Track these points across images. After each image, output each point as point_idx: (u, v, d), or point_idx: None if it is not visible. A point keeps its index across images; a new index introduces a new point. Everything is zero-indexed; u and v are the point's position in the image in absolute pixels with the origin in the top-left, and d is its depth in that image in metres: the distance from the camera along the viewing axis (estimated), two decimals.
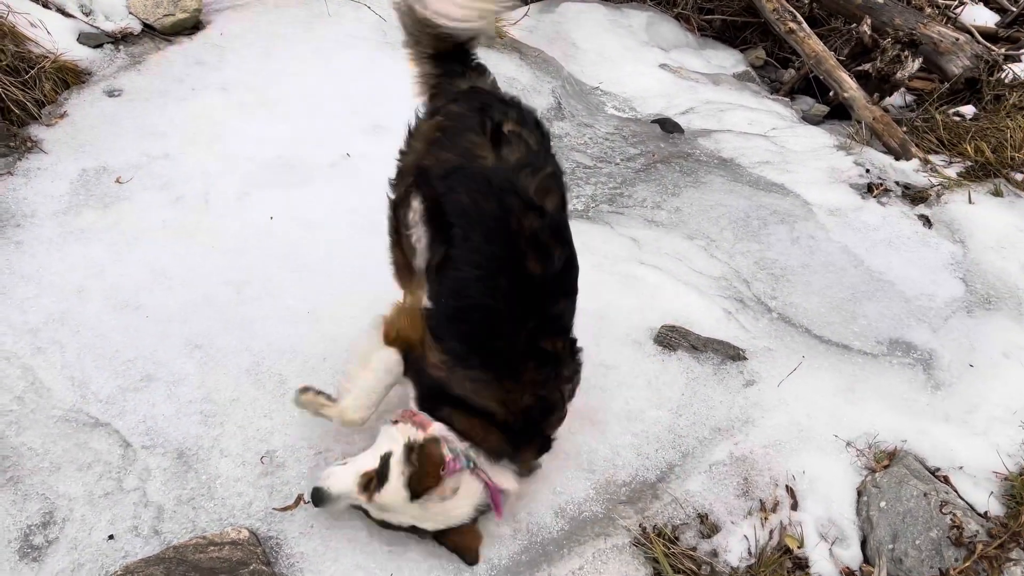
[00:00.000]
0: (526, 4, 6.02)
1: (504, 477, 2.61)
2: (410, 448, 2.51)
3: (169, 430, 2.94)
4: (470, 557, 2.64)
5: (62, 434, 2.88)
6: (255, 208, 3.84)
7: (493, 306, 2.48)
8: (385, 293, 2.95)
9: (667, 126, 5.05)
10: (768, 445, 3.12)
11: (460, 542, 2.64)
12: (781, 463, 3.05)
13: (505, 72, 5.16)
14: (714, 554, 2.75)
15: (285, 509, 2.77)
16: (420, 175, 2.63)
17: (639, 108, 5.43)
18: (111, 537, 2.64)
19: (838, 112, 6.09)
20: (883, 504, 2.91)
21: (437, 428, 2.57)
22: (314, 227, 3.79)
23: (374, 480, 2.53)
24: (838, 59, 6.04)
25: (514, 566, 2.70)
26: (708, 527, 2.83)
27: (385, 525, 2.62)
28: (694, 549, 2.76)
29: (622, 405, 3.22)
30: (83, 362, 3.10)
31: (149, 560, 2.47)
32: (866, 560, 2.82)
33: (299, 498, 2.80)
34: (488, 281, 2.47)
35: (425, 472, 2.45)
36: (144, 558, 2.50)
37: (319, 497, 2.56)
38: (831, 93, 6.01)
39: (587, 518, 2.86)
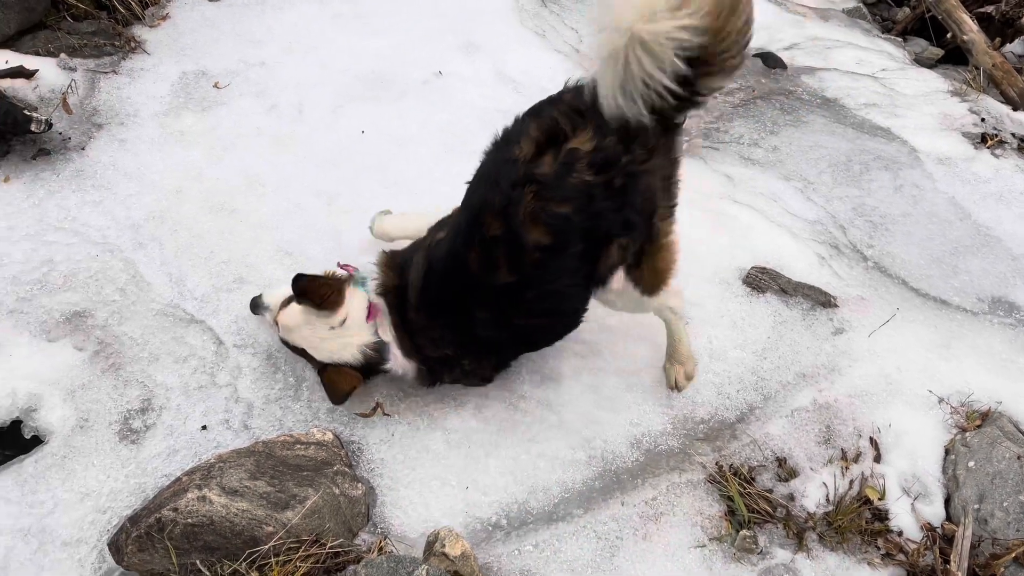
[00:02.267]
0: None
1: (388, 333, 2.68)
2: (318, 275, 2.65)
3: (259, 332, 3.03)
4: (336, 396, 2.71)
5: (160, 327, 2.99)
6: (348, 120, 3.84)
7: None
8: None
9: (769, 61, 4.82)
10: (854, 395, 3.03)
11: (335, 380, 2.69)
12: (866, 414, 2.97)
13: None
14: (791, 498, 2.72)
15: (365, 415, 2.85)
16: None
17: None
18: (204, 427, 2.76)
19: (953, 56, 5.71)
20: (971, 464, 2.82)
21: (356, 271, 2.79)
22: (404, 143, 3.78)
23: (289, 300, 2.74)
24: None
25: (587, 491, 2.73)
26: (786, 471, 2.79)
27: (285, 344, 2.79)
28: (770, 491, 2.73)
29: (705, 343, 3.16)
30: (180, 260, 3.20)
31: (240, 452, 2.57)
32: (948, 518, 2.74)
33: (377, 405, 2.87)
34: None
35: (317, 285, 2.58)
36: (235, 449, 2.60)
37: (254, 304, 2.91)
38: (948, 35, 5.63)
39: (663, 451, 2.86)
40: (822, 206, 3.84)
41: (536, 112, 2.36)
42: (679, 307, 2.83)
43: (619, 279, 2.46)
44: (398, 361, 2.71)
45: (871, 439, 2.90)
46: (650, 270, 2.51)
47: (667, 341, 2.96)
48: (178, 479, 2.52)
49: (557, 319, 2.63)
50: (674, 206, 2.51)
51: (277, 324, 2.78)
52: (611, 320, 3.11)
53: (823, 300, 3.35)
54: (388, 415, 2.85)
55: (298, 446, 2.65)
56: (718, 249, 3.49)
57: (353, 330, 2.64)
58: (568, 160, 2.21)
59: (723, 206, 3.71)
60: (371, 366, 2.69)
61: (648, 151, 2.27)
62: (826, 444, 2.89)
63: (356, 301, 2.67)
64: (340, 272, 2.82)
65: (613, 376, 3.03)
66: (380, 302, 2.70)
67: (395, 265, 2.73)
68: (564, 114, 2.27)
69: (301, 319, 2.65)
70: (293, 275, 2.59)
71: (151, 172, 3.46)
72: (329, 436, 2.72)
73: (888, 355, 3.18)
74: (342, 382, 2.69)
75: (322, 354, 2.68)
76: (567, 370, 3.03)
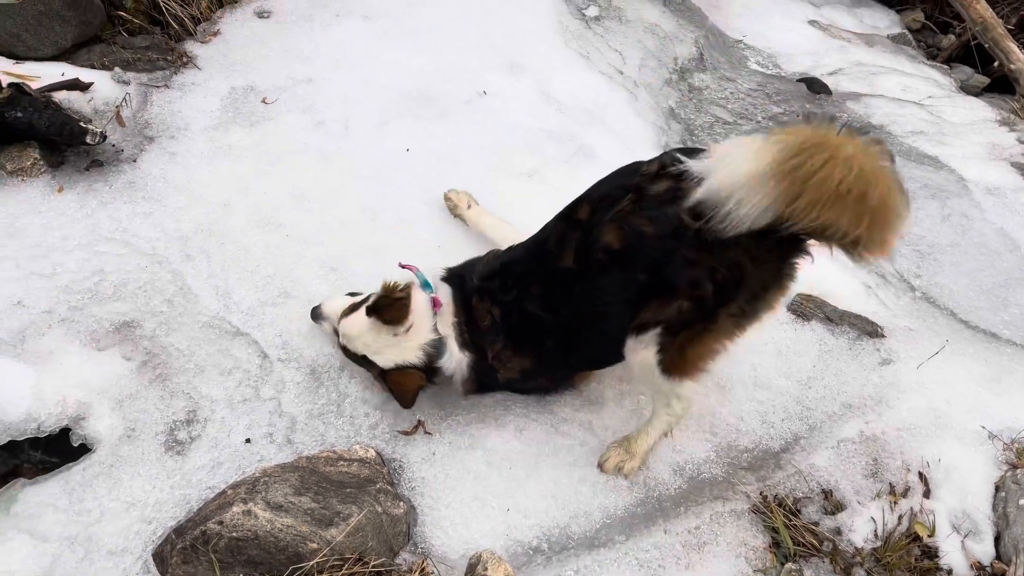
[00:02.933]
0: None
1: (447, 326, 2.74)
2: (386, 285, 2.68)
3: (303, 347, 3.05)
4: (406, 399, 2.73)
5: (206, 339, 3.02)
6: (393, 138, 3.87)
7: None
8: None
9: (814, 86, 4.79)
10: (902, 428, 2.98)
11: (400, 381, 2.72)
12: (915, 448, 2.92)
13: (648, 18, 4.99)
14: (837, 532, 2.67)
15: (407, 433, 2.84)
16: None
17: (784, 65, 5.16)
18: (248, 440, 2.77)
19: (999, 85, 5.64)
20: (1022, 502, 2.75)
21: (419, 274, 2.84)
22: (448, 161, 3.80)
23: (350, 309, 2.82)
24: (1006, 28, 5.57)
25: (629, 517, 2.70)
26: (832, 504, 2.75)
27: (345, 352, 2.85)
28: (816, 524, 2.69)
29: (749, 371, 3.13)
30: (227, 273, 3.23)
31: (285, 467, 2.58)
32: (999, 557, 2.68)
33: (419, 423, 2.87)
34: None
35: (391, 305, 2.63)
36: (280, 464, 2.61)
37: (315, 313, 3.00)
38: (995, 64, 5.56)
39: (706, 479, 2.82)
40: None
41: (683, 151, 2.31)
42: (680, 409, 2.64)
43: (650, 338, 2.38)
44: (454, 355, 2.73)
45: (920, 474, 2.84)
46: (681, 350, 2.38)
47: (641, 427, 2.79)
48: (223, 492, 2.53)
49: (594, 330, 2.55)
50: (749, 315, 2.32)
51: (336, 332, 2.84)
52: None
53: (870, 330, 3.30)
54: (430, 433, 2.85)
55: (341, 462, 2.66)
56: None
57: (416, 333, 2.69)
58: (678, 193, 2.18)
59: None
60: (431, 363, 2.72)
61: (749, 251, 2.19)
62: (873, 477, 2.83)
63: (421, 305, 2.72)
64: (405, 275, 2.86)
65: None
66: (444, 288, 2.80)
67: (460, 266, 2.89)
68: None
69: (365, 327, 2.70)
70: (365, 299, 2.76)
71: (200, 185, 3.51)
72: (372, 453, 2.73)
73: (937, 388, 3.13)
74: (408, 383, 2.72)
75: (385, 360, 2.72)
76: (610, 394, 3.01)
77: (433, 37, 4.52)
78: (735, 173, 2.00)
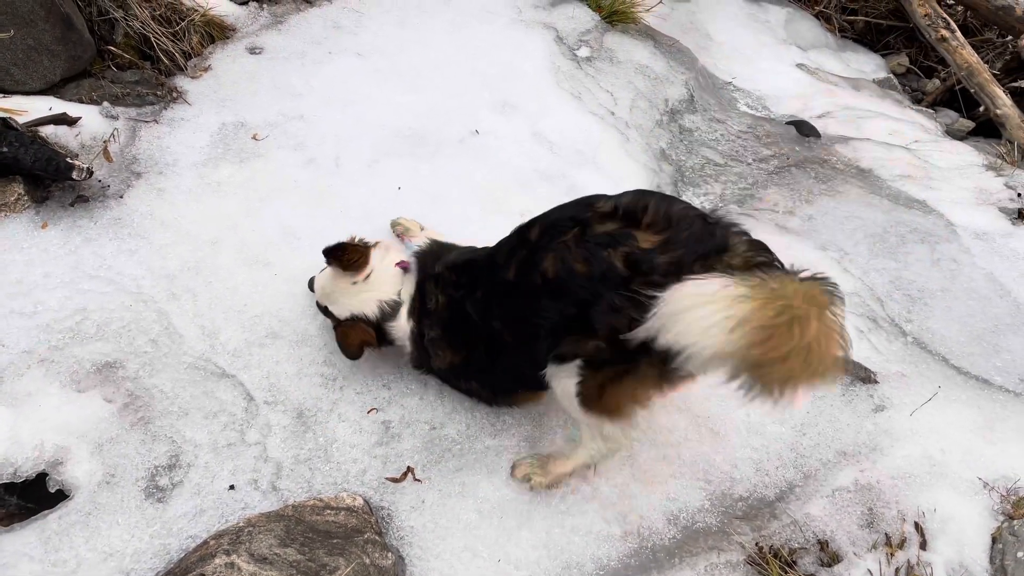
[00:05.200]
0: None
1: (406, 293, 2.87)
2: (346, 242, 2.88)
3: (290, 389, 2.99)
4: (348, 349, 2.85)
5: (191, 381, 2.95)
6: (384, 176, 3.84)
7: None
8: None
9: (803, 129, 4.83)
10: (897, 477, 2.95)
11: (347, 331, 2.85)
12: (910, 497, 2.88)
13: (638, 59, 5.02)
14: None
15: (395, 480, 2.78)
16: None
17: (773, 108, 5.21)
18: (232, 487, 2.69)
19: (984, 129, 5.72)
20: (1020, 554, 2.72)
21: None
22: (440, 200, 3.78)
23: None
24: (991, 73, 5.66)
25: (623, 568, 2.64)
26: (829, 555, 2.70)
27: (319, 307, 3.02)
28: None
29: (743, 417, 3.10)
30: (214, 312, 3.17)
31: (270, 516, 2.51)
32: None
33: (408, 470, 2.81)
34: None
35: (345, 250, 2.82)
36: (265, 513, 2.54)
37: (310, 283, 3.12)
38: (981, 108, 5.64)
39: (700, 529, 2.77)
40: (859, 277, 3.80)
41: (642, 193, 2.32)
42: (605, 448, 2.61)
43: (571, 368, 2.36)
44: (401, 320, 2.85)
45: (916, 524, 2.80)
46: (601, 387, 2.36)
47: (567, 449, 2.79)
48: (205, 542, 2.45)
49: (520, 346, 2.50)
50: (676, 373, 2.25)
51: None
52: None
53: (863, 375, 3.28)
54: (419, 480, 2.78)
55: (328, 511, 2.59)
56: None
57: (375, 286, 2.85)
58: (621, 239, 2.19)
59: None
60: (383, 322, 2.85)
61: None
62: (869, 527, 2.79)
63: (387, 260, 2.91)
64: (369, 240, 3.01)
65: (649, 447, 2.96)
66: (412, 261, 2.92)
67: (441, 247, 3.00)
68: (656, 213, 2.23)
69: (328, 275, 2.91)
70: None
71: (187, 222, 3.46)
72: (359, 502, 2.66)
73: (931, 435, 3.10)
74: (353, 335, 2.83)
75: (342, 309, 2.88)
76: None
77: (427, 77, 4.53)
78: (697, 336, 1.97)
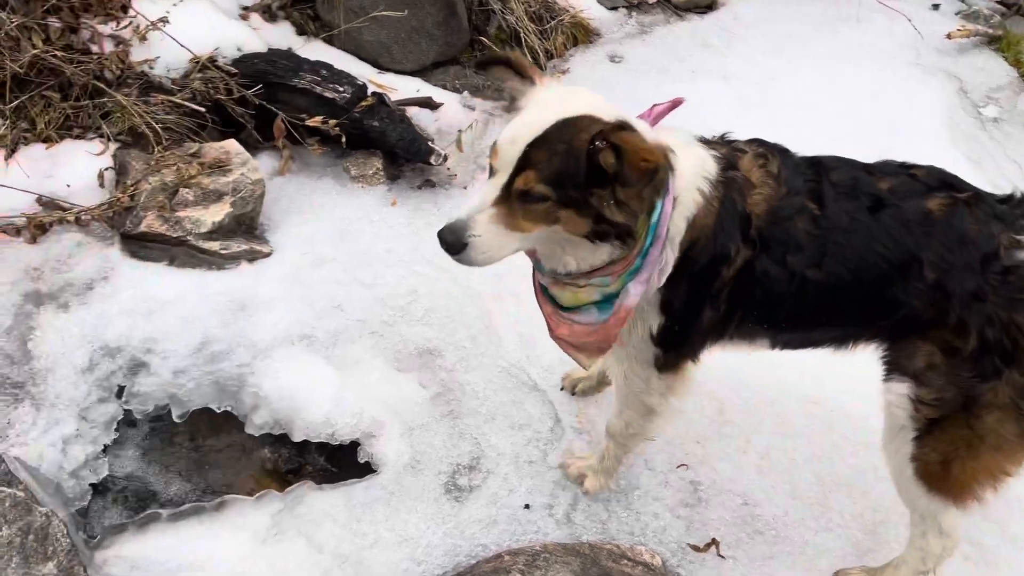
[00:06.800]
0: None
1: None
2: None
3: (598, 420, 2.84)
4: None
5: (502, 386, 2.91)
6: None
7: None
8: None
9: None
10: None
11: None
12: None
13: None
14: None
15: (699, 549, 2.53)
16: None
17: None
18: (527, 506, 2.59)
19: None
20: None
21: None
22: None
23: None
24: None
25: None
26: None
27: None
28: None
29: None
30: (533, 322, 3.07)
31: (567, 548, 2.37)
32: None
33: (714, 542, 2.55)
34: None
35: None
36: (562, 544, 2.41)
37: None
38: None
39: None
40: None
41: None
42: (940, 548, 2.18)
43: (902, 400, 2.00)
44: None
45: None
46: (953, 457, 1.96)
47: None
48: (499, 556, 2.37)
49: (853, 274, 2.00)
50: None
51: None
52: None
53: None
54: (722, 557, 2.51)
55: (625, 561, 2.40)
56: None
57: None
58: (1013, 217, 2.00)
59: None
60: None
61: None
62: None
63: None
64: None
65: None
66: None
67: None
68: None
69: None
70: None
71: None
72: (658, 561, 2.44)
73: None
74: None
75: None
76: None
77: (796, 114, 4.14)
78: None
